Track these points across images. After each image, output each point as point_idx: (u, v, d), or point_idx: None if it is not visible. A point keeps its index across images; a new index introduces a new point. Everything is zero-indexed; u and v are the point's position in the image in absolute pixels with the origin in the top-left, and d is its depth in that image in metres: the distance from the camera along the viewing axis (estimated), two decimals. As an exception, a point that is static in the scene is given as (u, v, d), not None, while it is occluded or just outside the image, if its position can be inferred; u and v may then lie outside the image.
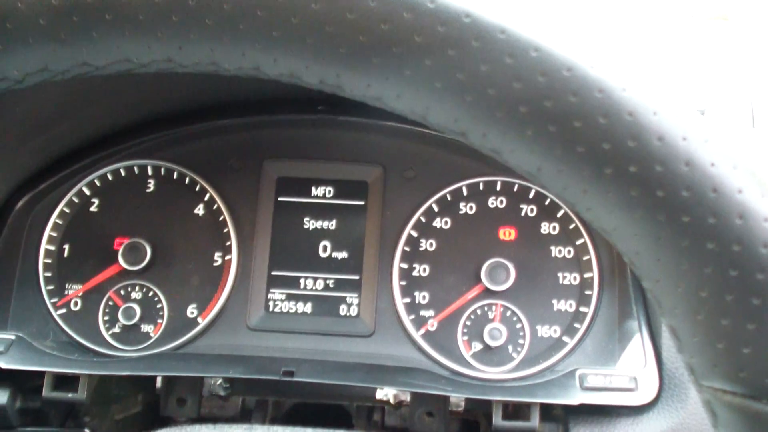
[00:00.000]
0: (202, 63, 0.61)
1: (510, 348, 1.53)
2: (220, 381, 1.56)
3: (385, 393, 1.55)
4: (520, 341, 1.53)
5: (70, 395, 1.41)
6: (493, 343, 1.52)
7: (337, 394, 1.60)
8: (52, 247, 1.59)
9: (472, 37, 0.55)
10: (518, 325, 1.54)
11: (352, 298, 1.57)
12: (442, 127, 0.61)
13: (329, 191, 1.62)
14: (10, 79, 0.64)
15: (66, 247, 1.60)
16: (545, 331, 1.54)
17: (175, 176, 1.62)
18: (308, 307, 1.57)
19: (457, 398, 1.52)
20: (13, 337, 1.43)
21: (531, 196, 1.60)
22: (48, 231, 1.59)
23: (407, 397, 1.54)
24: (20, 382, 1.41)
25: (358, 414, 1.63)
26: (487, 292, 1.55)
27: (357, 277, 1.58)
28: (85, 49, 0.61)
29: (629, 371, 1.40)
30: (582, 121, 0.55)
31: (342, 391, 1.59)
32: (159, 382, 1.54)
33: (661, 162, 0.55)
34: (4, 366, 1.37)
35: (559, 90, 0.55)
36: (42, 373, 1.42)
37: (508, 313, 1.55)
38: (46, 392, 1.41)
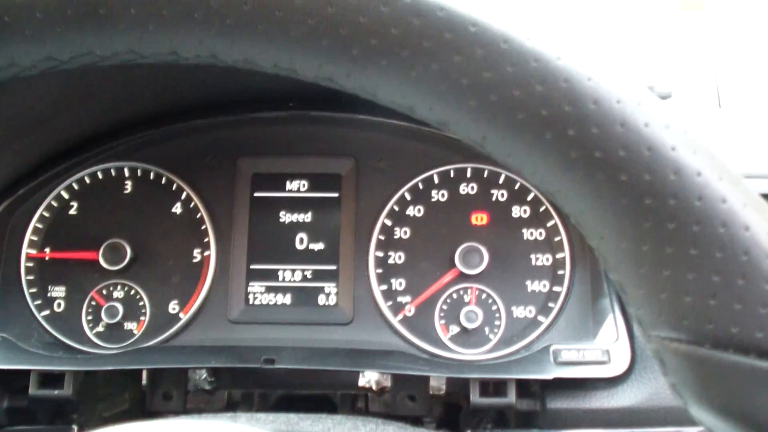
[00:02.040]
0: (161, 53, 0.65)
1: (486, 329, 1.57)
2: (204, 375, 1.59)
3: (368, 380, 1.58)
4: (496, 322, 1.57)
5: (56, 392, 1.44)
6: (469, 326, 1.55)
7: (321, 384, 1.63)
8: (33, 251, 1.62)
9: (413, 15, 0.59)
10: (494, 307, 1.58)
11: (330, 287, 1.61)
12: (392, 104, 0.65)
13: (303, 185, 1.65)
14: None
15: (47, 250, 1.62)
16: (520, 311, 1.58)
17: (151, 176, 1.65)
18: (287, 299, 1.61)
19: (438, 382, 1.55)
20: None
21: (501, 181, 1.64)
22: (29, 235, 1.62)
23: (389, 383, 1.57)
24: (7, 382, 1.44)
25: (343, 402, 1.66)
26: (462, 276, 1.58)
27: (334, 267, 1.61)
28: (50, 44, 0.64)
29: (602, 345, 1.44)
30: (520, 90, 0.59)
31: (325, 380, 1.62)
32: (144, 378, 1.57)
33: (597, 125, 0.58)
34: None
35: (497, 62, 0.59)
36: (28, 373, 1.45)
37: (484, 295, 1.58)
38: (33, 390, 1.44)
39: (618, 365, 1.42)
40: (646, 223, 0.59)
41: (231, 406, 1.65)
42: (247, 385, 1.64)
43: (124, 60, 0.67)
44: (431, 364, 1.50)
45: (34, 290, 1.60)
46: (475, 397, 1.43)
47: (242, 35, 0.62)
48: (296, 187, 1.65)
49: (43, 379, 1.45)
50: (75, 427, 1.41)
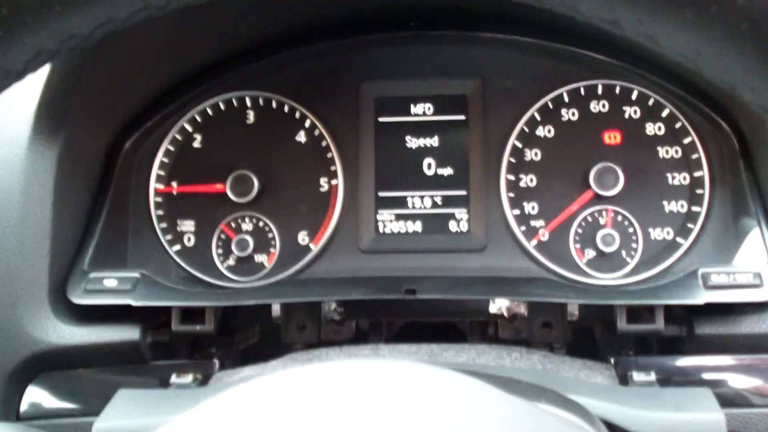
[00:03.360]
0: None
1: (623, 253, 1.52)
2: (334, 306, 1.58)
3: (498, 307, 1.55)
4: (633, 245, 1.52)
5: (198, 328, 1.44)
6: (606, 249, 1.50)
7: (451, 311, 1.61)
8: (161, 186, 1.61)
9: None
10: (630, 230, 1.53)
11: (461, 213, 1.57)
12: (595, 17, 0.59)
13: (429, 108, 1.60)
14: (152, 5, 0.64)
15: (174, 184, 1.62)
16: (658, 233, 1.53)
17: (273, 105, 1.62)
18: (418, 226, 1.57)
19: (572, 307, 1.51)
20: (138, 275, 1.46)
21: (634, 97, 1.57)
22: (155, 170, 1.61)
23: (521, 309, 1.54)
24: (148, 317, 1.44)
25: (473, 329, 1.64)
26: (597, 198, 1.53)
27: (464, 193, 1.57)
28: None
29: (752, 267, 1.38)
30: None
31: (455, 307, 1.60)
32: (276, 311, 1.56)
33: None
34: (135, 303, 1.40)
35: None
36: (167, 308, 1.45)
37: (619, 217, 1.53)
38: (175, 326, 1.44)
39: None
40: None
41: (360, 335, 1.64)
42: (375, 315, 1.63)
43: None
44: (575, 291, 1.45)
45: (164, 225, 1.60)
46: (623, 324, 1.38)
47: None
48: (421, 110, 1.60)
49: (184, 314, 1.45)
50: (216, 362, 1.41)
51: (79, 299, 1.43)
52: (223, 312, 1.51)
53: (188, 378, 1.35)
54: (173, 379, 1.35)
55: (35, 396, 1.40)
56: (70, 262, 1.47)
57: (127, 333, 1.42)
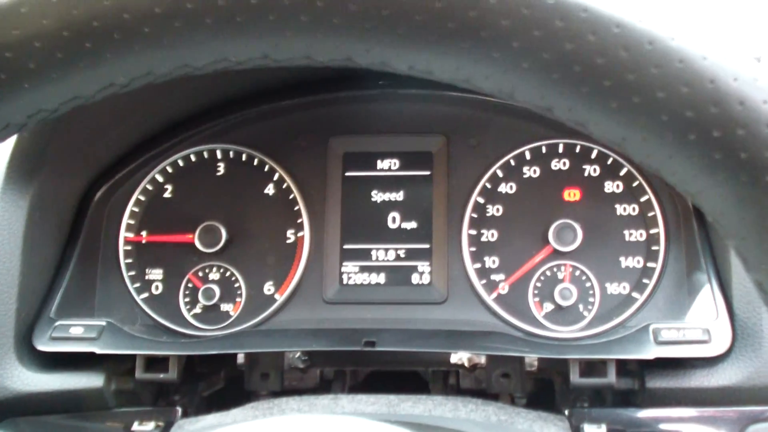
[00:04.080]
0: (296, 57, 0.65)
1: (581, 307, 1.56)
2: (298, 354, 1.60)
3: (459, 357, 1.58)
4: (591, 299, 1.56)
5: (161, 375, 1.47)
6: (564, 303, 1.54)
7: (413, 360, 1.64)
8: (130, 235, 1.65)
9: (557, 18, 0.58)
10: (588, 284, 1.57)
11: (423, 266, 1.61)
12: (529, 104, 0.64)
13: (395, 163, 1.65)
14: (116, 84, 0.67)
15: (143, 233, 1.65)
16: (614, 288, 1.57)
17: (243, 158, 1.67)
18: (381, 278, 1.61)
19: (531, 359, 1.55)
20: (104, 323, 1.49)
21: (594, 156, 1.62)
22: (126, 219, 1.65)
23: (482, 360, 1.57)
24: (113, 365, 1.47)
25: (434, 378, 1.67)
26: (556, 254, 1.58)
27: (427, 246, 1.61)
28: (187, 52, 0.65)
29: (702, 323, 1.42)
30: (665, 92, 0.57)
31: (417, 357, 1.63)
32: (241, 358, 1.59)
33: (743, 126, 0.57)
34: (99, 351, 1.43)
35: (642, 63, 0.57)
36: (132, 356, 1.48)
37: (577, 272, 1.57)
38: (139, 374, 1.47)
39: (719, 344, 1.39)
40: None
41: (324, 383, 1.66)
42: (340, 363, 1.66)
43: (256, 65, 0.67)
44: (531, 345, 1.49)
45: (132, 273, 1.63)
46: (575, 378, 1.42)
47: (381, 40, 0.61)
48: (388, 165, 1.65)
49: (148, 363, 1.48)
50: (179, 409, 1.44)
51: (45, 346, 1.45)
52: (188, 359, 1.54)
53: (150, 425, 1.38)
54: (135, 426, 1.38)
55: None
56: (37, 310, 1.50)
57: (91, 380, 1.44)
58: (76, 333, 1.47)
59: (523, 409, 1.38)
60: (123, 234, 1.65)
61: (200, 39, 0.63)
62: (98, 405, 1.45)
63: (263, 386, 1.60)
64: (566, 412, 1.37)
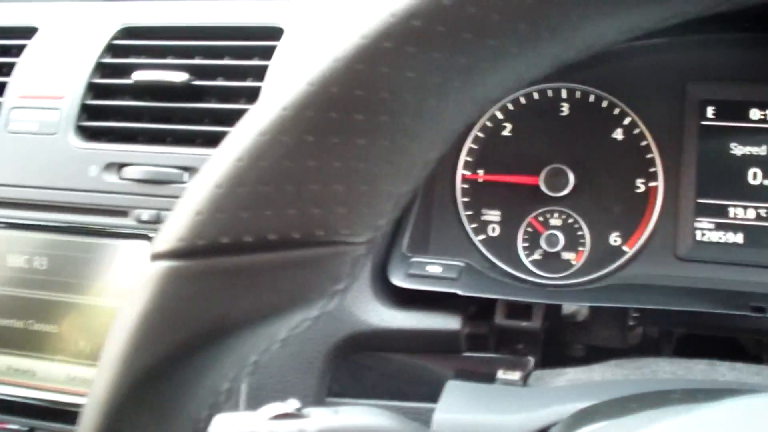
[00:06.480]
0: None
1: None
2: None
3: None
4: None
5: (524, 324, 1.41)
6: None
7: (741, 327, 1.53)
8: (467, 172, 1.59)
9: None
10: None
11: (789, 227, 1.48)
12: None
13: (759, 115, 1.52)
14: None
15: (480, 172, 1.59)
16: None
17: (590, 99, 1.57)
18: (739, 237, 1.50)
19: None
20: (462, 264, 1.44)
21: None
22: (463, 156, 1.59)
23: None
24: (463, 307, 1.42)
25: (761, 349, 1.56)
26: None
27: (793, 206, 1.49)
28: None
29: None
30: None
31: (749, 324, 1.52)
32: (567, 310, 1.52)
33: None
34: (462, 293, 1.38)
35: None
36: (483, 300, 1.42)
37: None
38: (499, 319, 1.42)
39: None
40: None
41: (645, 343, 1.57)
42: (666, 324, 1.56)
43: None
44: None
45: (469, 213, 1.57)
46: None
47: None
48: (751, 116, 1.52)
49: (510, 309, 1.42)
50: (531, 359, 1.38)
51: (401, 283, 1.41)
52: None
53: (515, 375, 1.32)
54: (500, 374, 1.32)
55: (348, 375, 1.40)
56: (389, 245, 1.46)
57: (447, 322, 1.40)
58: (433, 271, 1.42)
59: None
60: (460, 171, 1.58)
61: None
62: (449, 348, 1.41)
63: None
64: None
